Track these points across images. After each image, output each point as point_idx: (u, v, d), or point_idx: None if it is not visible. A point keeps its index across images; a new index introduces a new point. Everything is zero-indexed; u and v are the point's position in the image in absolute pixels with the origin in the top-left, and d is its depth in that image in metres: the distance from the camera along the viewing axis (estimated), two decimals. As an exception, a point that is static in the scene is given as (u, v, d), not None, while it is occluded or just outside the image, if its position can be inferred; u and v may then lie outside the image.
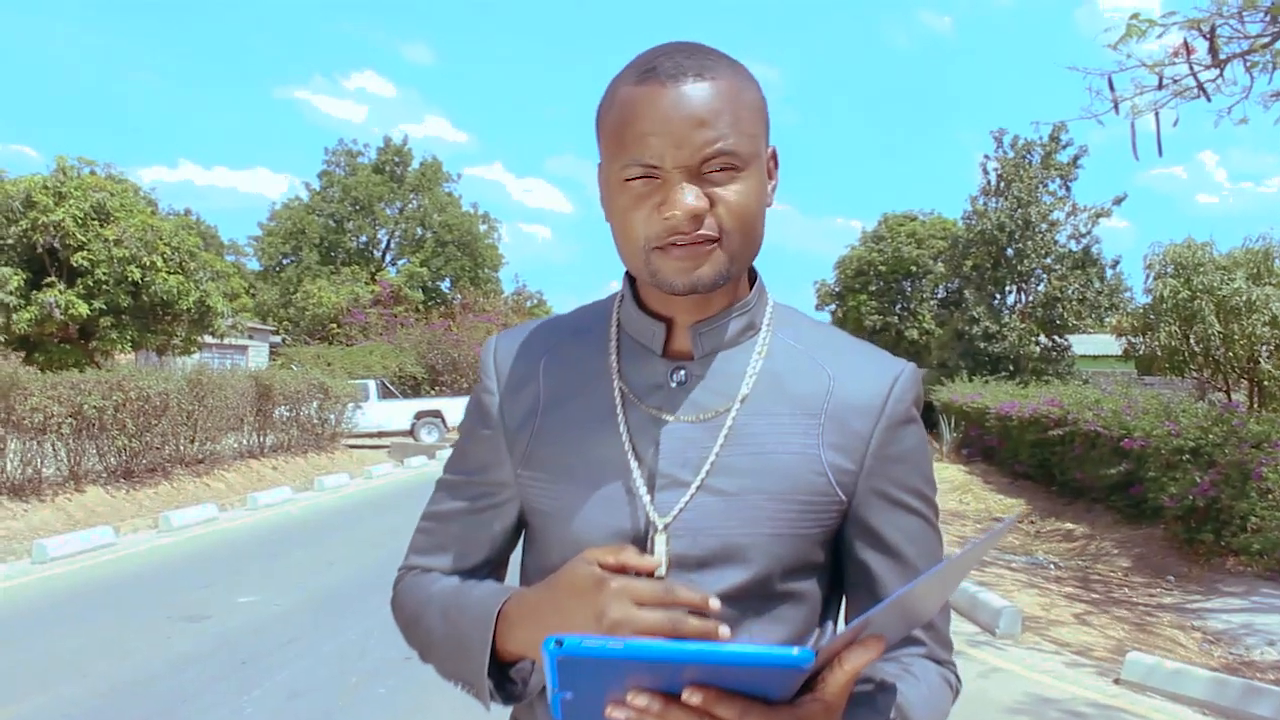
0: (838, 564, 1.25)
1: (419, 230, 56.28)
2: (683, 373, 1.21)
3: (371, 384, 27.74)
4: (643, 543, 1.16)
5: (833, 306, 46.50)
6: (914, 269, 43.36)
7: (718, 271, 1.14)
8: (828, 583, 1.25)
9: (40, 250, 20.70)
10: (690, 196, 1.10)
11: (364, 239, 56.70)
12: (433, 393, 34.68)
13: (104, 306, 21.02)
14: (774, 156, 1.24)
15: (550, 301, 58.07)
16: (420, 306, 49.66)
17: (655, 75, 1.12)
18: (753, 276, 1.28)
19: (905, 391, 1.22)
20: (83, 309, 20.56)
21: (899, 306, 44.44)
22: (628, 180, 1.13)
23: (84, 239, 20.59)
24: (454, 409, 27.55)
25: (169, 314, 22.27)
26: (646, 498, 1.17)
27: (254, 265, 56.51)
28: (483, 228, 57.85)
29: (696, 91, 1.11)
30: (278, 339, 46.89)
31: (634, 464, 1.18)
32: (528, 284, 72.83)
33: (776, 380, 1.21)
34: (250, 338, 40.13)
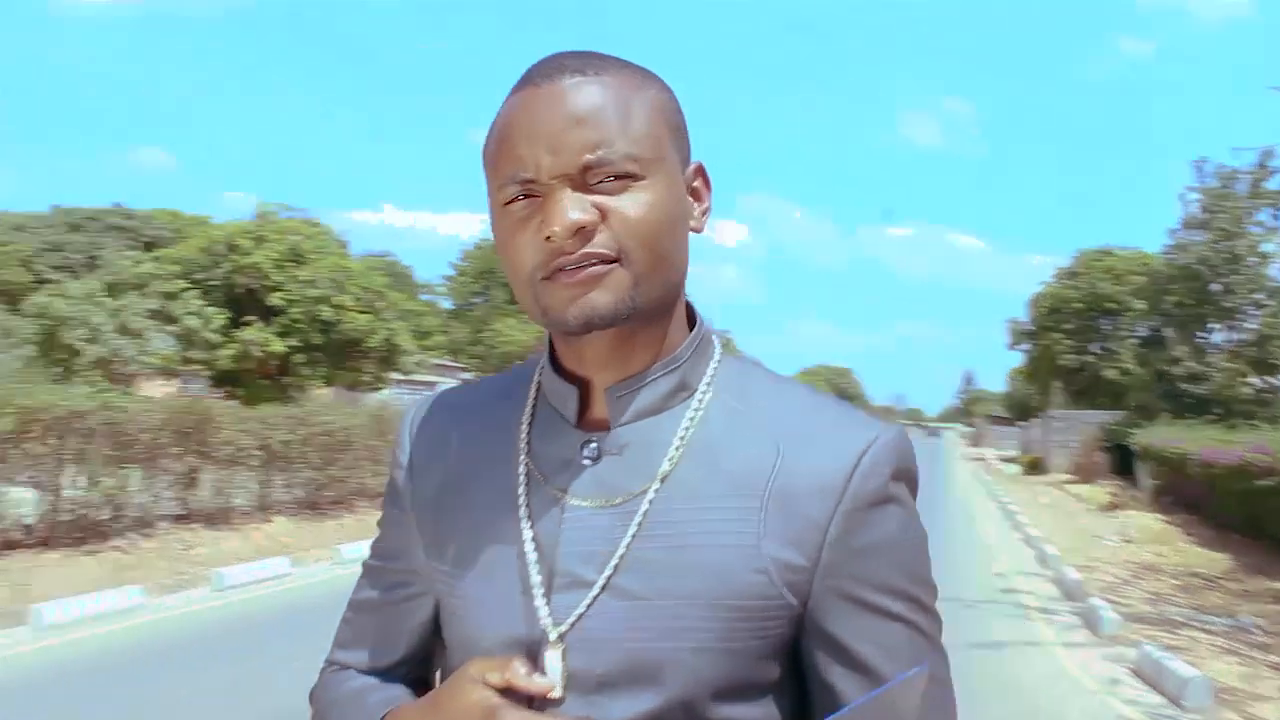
0: (804, 684, 0.99)
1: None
2: (594, 446, 1.00)
3: None
4: (538, 653, 0.94)
5: (1026, 346, 44.82)
6: (1112, 306, 41.32)
7: (618, 298, 0.93)
8: (790, 709, 0.98)
9: (241, 291, 21.87)
10: (570, 206, 0.91)
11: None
12: None
13: (298, 344, 22.07)
14: (700, 173, 1.04)
15: (737, 342, 57.96)
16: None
17: (530, 80, 0.96)
18: (694, 324, 1.05)
19: (878, 465, 0.96)
20: (278, 346, 21.62)
21: (1096, 346, 42.45)
22: (506, 204, 0.96)
23: (280, 280, 21.67)
24: None
25: (358, 351, 23.19)
26: (542, 600, 0.95)
27: (448, 304, 58.30)
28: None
29: (575, 89, 0.94)
30: (468, 375, 48.18)
31: (533, 557, 0.98)
32: (713, 323, 72.86)
33: (709, 453, 0.98)
34: (441, 374, 41.30)
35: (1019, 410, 70.45)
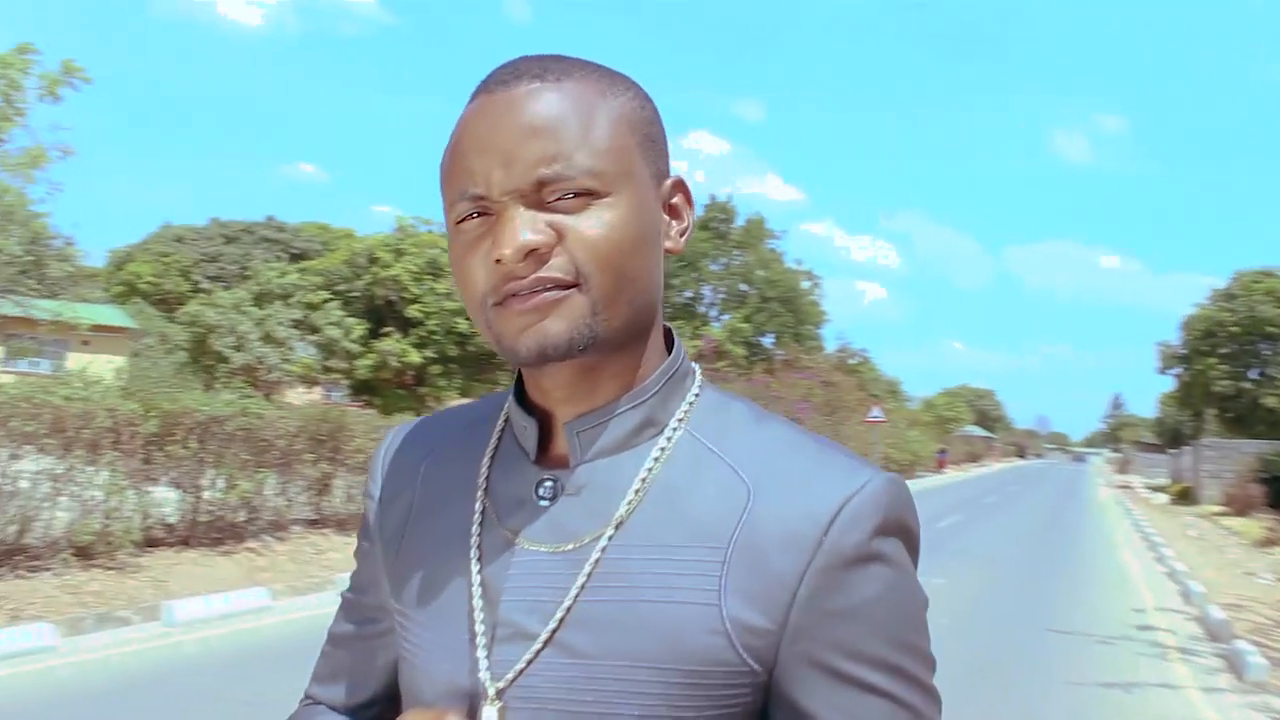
0: None
1: (742, 286, 56.83)
2: (549, 485, 0.91)
3: None
4: (477, 708, 0.87)
5: (1178, 370, 43.08)
6: (1273, 330, 39.42)
7: (574, 327, 0.84)
8: None
9: (380, 302, 22.44)
10: (521, 226, 0.83)
11: (689, 294, 57.96)
12: None
13: (434, 355, 22.54)
14: (679, 188, 0.95)
15: (876, 360, 57.17)
16: (743, 361, 49.99)
17: (484, 87, 0.89)
18: (671, 349, 0.96)
19: (860, 517, 0.83)
20: (415, 357, 22.13)
21: (1254, 371, 40.53)
22: (458, 223, 0.87)
23: (418, 293, 22.15)
24: None
25: (493, 364, 23.59)
26: (484, 652, 0.88)
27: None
28: (805, 284, 57.84)
29: (531, 96, 0.86)
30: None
31: (479, 604, 0.90)
32: (852, 341, 72.14)
33: (671, 497, 0.88)
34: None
35: (1169, 437, 67.90)
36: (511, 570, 0.89)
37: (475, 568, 0.91)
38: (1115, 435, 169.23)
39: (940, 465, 60.03)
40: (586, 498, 0.89)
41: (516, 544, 0.90)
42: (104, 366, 19.91)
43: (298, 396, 22.74)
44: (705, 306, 58.04)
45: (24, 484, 9.68)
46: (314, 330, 21.65)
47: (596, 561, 0.86)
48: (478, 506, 0.94)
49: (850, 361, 54.16)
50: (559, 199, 0.84)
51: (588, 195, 0.84)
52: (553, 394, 0.92)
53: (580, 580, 0.86)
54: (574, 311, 0.84)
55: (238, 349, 20.87)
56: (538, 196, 0.84)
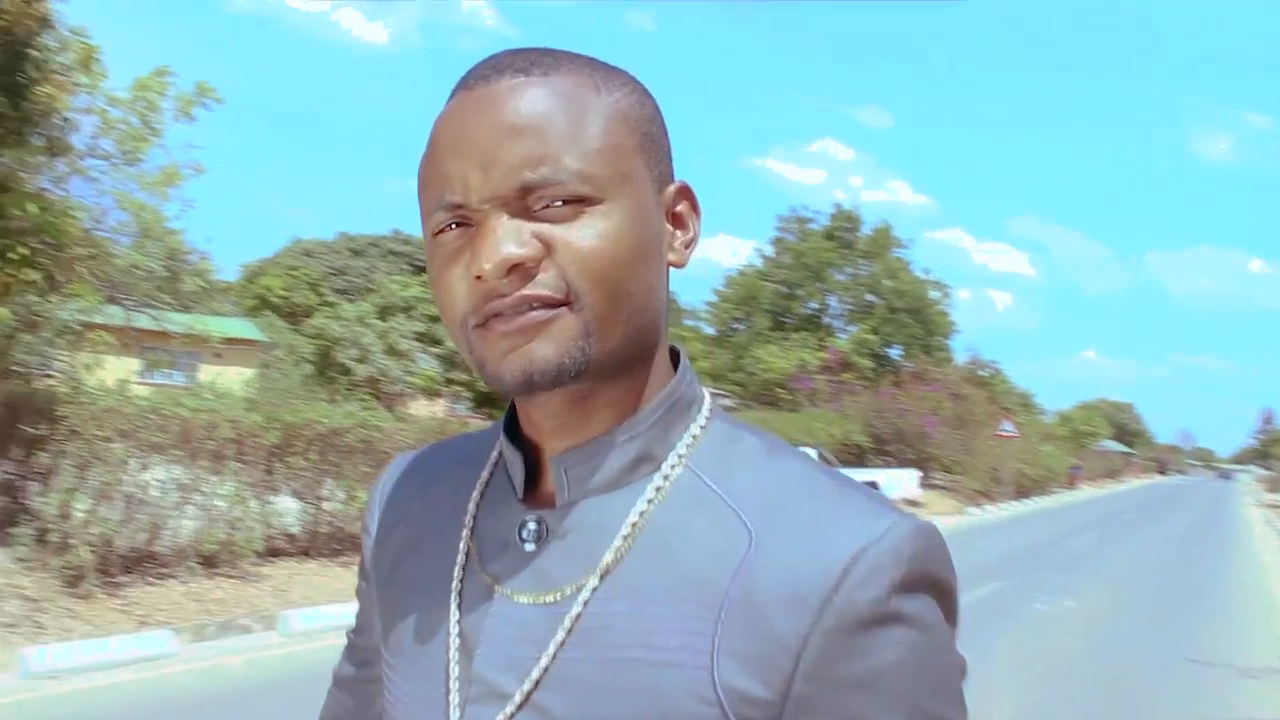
0: None
1: (868, 296, 56.14)
2: (534, 528, 0.83)
3: (810, 451, 27.69)
4: None
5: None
6: None
7: (563, 351, 0.76)
8: None
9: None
10: (503, 238, 0.75)
11: (814, 305, 57.46)
12: (877, 463, 34.09)
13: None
14: (684, 194, 0.86)
15: (1008, 372, 55.93)
16: (870, 374, 49.42)
17: (464, 83, 0.81)
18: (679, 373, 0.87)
19: (878, 570, 0.73)
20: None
21: None
22: (436, 234, 0.80)
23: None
24: (892, 481, 27.28)
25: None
26: (456, 711, 0.81)
27: (709, 330, 58.93)
28: (934, 294, 56.86)
29: (514, 92, 0.77)
30: (727, 402, 48.48)
31: (455, 656, 0.83)
32: (982, 352, 70.71)
33: (664, 543, 0.79)
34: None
35: (1326, 455, 64.73)
36: (489, 621, 0.82)
37: (454, 616, 0.84)
38: (1266, 452, 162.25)
39: (1072, 481, 58.33)
40: (572, 542, 0.81)
41: (496, 592, 0.83)
42: (234, 378, 20.60)
43: (421, 408, 23.12)
44: (830, 318, 57.43)
45: (154, 493, 10.03)
46: (436, 342, 22.01)
47: (578, 616, 0.78)
48: (462, 547, 0.87)
49: (980, 373, 52.89)
50: (546, 206, 0.76)
51: (579, 202, 0.76)
52: (541, 425, 0.84)
53: (560, 636, 0.77)
54: (564, 333, 0.76)
55: (361, 361, 21.33)
56: (522, 204, 0.76)
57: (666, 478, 0.82)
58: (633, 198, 0.79)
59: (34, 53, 9.16)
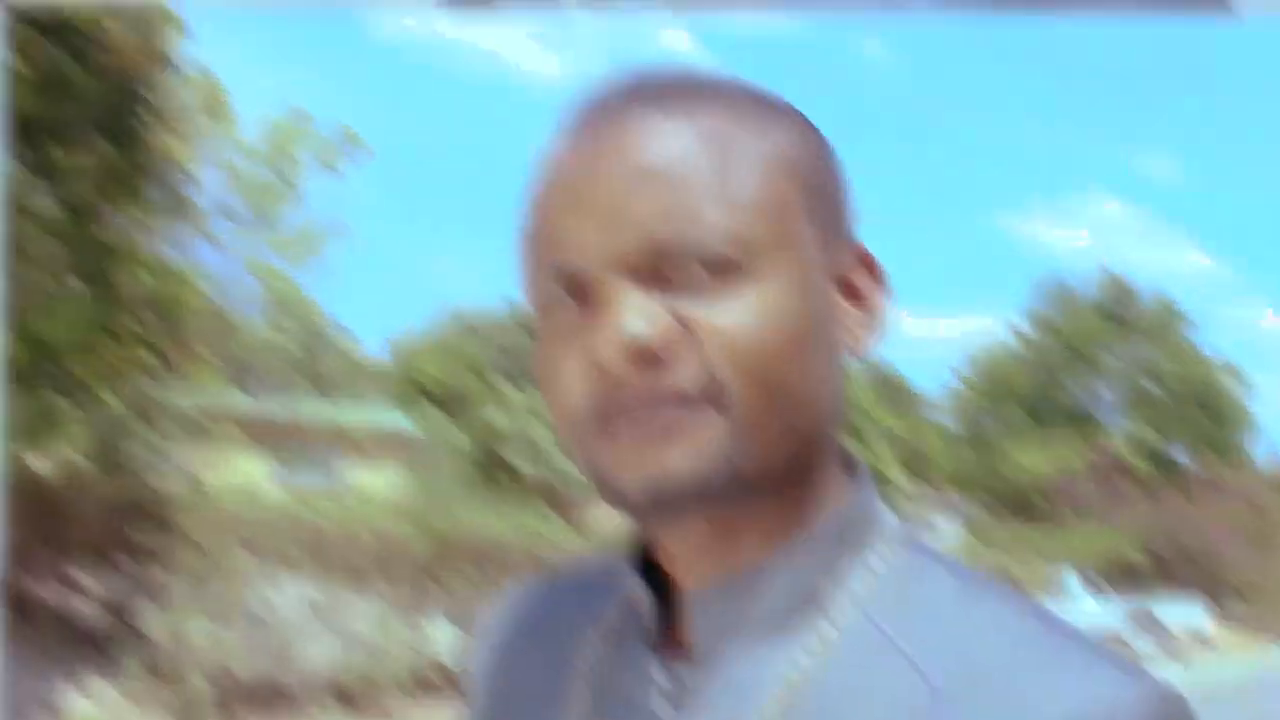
0: None
1: (1146, 384, 54.72)
2: (666, 685, 0.82)
3: (1071, 576, 28.18)
4: None
5: None
6: None
7: (707, 462, 0.74)
8: None
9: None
10: (632, 316, 0.74)
11: (1080, 394, 56.42)
12: (1157, 587, 33.67)
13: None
14: (864, 260, 0.85)
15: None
16: (1147, 478, 48.16)
17: (585, 119, 0.81)
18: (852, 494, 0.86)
19: None
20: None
21: None
22: (545, 309, 0.80)
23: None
24: (1173, 612, 27.71)
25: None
26: None
27: (949, 423, 58.26)
28: (1227, 380, 55.09)
29: (646, 131, 0.77)
30: (973, 512, 47.84)
31: None
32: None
33: (826, 707, 0.76)
34: (942, 511, 41.16)
35: None
36: None
37: None
38: None
39: None
40: (717, 702, 0.80)
41: None
42: (380, 479, 20.97)
43: (603, 518, 23.08)
44: (1100, 409, 56.21)
45: (282, 614, 10.05)
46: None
47: None
48: (578, 708, 0.86)
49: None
50: (685, 275, 0.75)
51: (726, 270, 0.75)
52: (674, 553, 0.84)
53: None
54: (707, 439, 0.75)
55: (533, 460, 21.41)
56: (655, 272, 0.75)
57: (834, 624, 0.81)
58: (795, 265, 0.78)
59: (150, 97, 9.39)
